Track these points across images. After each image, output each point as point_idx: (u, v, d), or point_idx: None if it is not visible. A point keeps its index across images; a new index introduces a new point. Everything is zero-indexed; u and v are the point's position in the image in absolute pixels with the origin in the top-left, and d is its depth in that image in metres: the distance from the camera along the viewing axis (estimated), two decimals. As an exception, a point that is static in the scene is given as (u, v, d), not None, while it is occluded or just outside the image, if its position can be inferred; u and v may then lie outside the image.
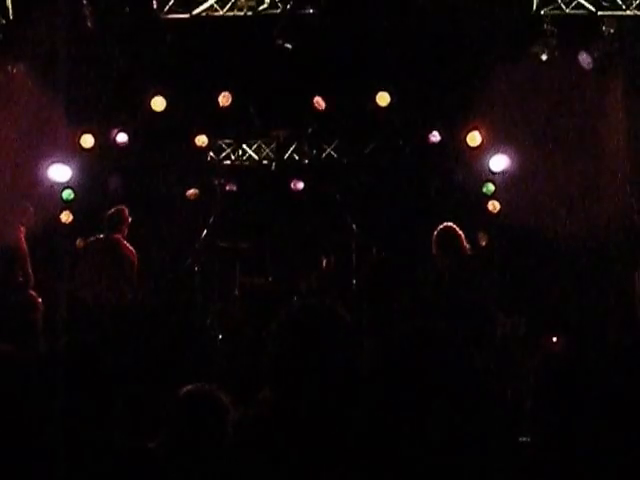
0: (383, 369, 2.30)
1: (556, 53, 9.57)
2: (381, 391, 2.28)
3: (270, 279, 10.05)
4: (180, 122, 10.54)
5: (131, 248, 8.80)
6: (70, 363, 2.71)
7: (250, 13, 9.68)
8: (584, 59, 9.43)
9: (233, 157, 11.89)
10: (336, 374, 2.41)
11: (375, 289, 8.34)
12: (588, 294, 9.02)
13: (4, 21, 9.20)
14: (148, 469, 2.79)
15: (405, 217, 10.32)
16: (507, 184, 10.04)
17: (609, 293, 9.12)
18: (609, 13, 9.40)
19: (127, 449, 2.75)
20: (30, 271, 8.36)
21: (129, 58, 9.66)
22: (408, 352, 2.29)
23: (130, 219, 8.93)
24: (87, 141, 10.24)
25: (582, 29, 9.47)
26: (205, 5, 9.66)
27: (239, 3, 9.68)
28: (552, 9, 9.47)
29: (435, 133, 10.70)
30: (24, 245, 8.40)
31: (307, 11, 9.56)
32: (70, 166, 9.93)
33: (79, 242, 9.62)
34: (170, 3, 9.60)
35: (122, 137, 10.55)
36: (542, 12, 9.45)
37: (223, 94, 10.33)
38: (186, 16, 9.63)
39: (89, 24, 9.25)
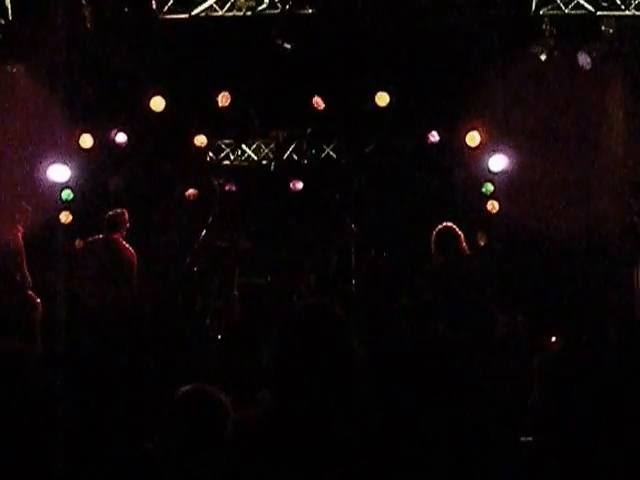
0: (383, 369, 2.30)
1: (555, 53, 9.57)
2: (381, 391, 2.28)
3: (269, 279, 10.06)
4: (179, 122, 10.54)
5: (130, 248, 8.80)
6: (69, 363, 2.71)
7: (249, 13, 9.67)
8: (583, 59, 9.43)
9: (232, 157, 11.89)
10: (336, 374, 2.41)
11: (374, 289, 8.35)
12: (588, 294, 9.02)
13: (3, 21, 9.19)
14: (148, 469, 2.79)
15: (404, 217, 10.33)
16: (506, 184, 10.03)
17: (609, 293, 9.12)
18: (608, 13, 9.40)
19: (127, 449, 2.75)
20: (27, 271, 8.36)
21: (128, 58, 9.66)
22: (408, 352, 2.29)
23: (129, 222, 8.94)
24: (86, 141, 10.21)
25: (581, 29, 9.47)
26: (204, 5, 9.65)
27: (238, 3, 9.68)
28: (551, 9, 9.47)
29: (434, 133, 10.70)
30: (21, 245, 8.40)
31: (306, 11, 9.57)
32: (69, 166, 9.91)
33: (78, 242, 9.60)
34: (169, 3, 9.59)
35: (121, 137, 10.54)
36: (541, 12, 9.45)
37: (222, 94, 10.34)
38: (185, 16, 9.63)
39: (88, 24, 9.25)
